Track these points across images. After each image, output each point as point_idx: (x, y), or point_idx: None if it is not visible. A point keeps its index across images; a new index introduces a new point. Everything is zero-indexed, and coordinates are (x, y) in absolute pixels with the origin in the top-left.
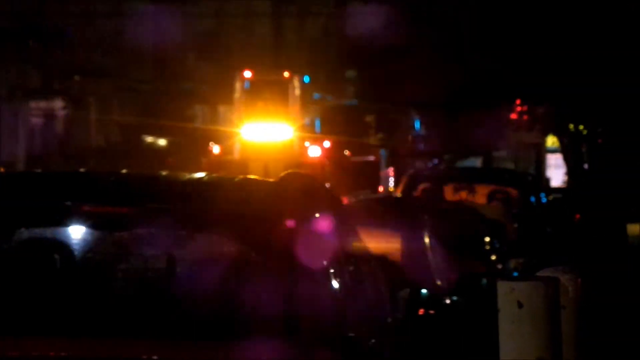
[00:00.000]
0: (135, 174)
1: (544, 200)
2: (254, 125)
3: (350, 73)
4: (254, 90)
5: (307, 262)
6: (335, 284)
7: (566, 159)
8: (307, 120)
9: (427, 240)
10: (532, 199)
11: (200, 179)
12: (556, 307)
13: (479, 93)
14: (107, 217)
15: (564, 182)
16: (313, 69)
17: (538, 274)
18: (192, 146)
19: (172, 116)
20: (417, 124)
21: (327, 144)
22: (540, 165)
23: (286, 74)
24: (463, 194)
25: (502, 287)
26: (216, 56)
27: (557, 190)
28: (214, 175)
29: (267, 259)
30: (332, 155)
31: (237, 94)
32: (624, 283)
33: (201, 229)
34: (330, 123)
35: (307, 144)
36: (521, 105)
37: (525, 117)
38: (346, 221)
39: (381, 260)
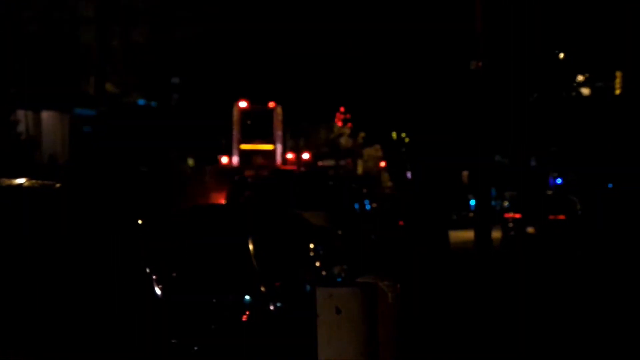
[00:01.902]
0: None
1: (368, 207)
2: (248, 142)
3: (175, 79)
4: (247, 116)
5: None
6: (158, 290)
7: (389, 166)
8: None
9: (251, 246)
10: (357, 205)
11: None
12: (373, 312)
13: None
14: None
15: (389, 189)
16: (138, 75)
17: (358, 280)
18: None
19: None
20: None
21: (306, 155)
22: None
23: (271, 104)
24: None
25: (321, 293)
26: (41, 62)
27: (381, 197)
28: None
29: None
30: (306, 162)
31: (235, 119)
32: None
33: None
34: None
35: (289, 155)
36: (345, 112)
37: (349, 124)
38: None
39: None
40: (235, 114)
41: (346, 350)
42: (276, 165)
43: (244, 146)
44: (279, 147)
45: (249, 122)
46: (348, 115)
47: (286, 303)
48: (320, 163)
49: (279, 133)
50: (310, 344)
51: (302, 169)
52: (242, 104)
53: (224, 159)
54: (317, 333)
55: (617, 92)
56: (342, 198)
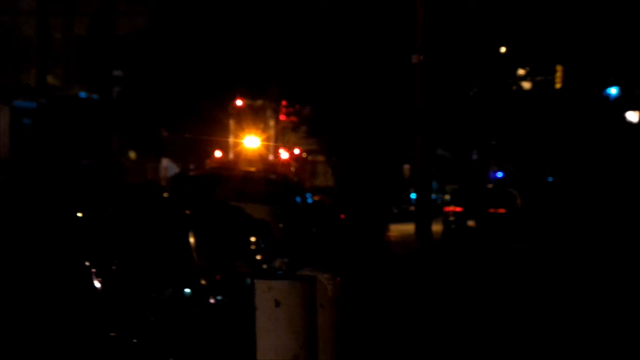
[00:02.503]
0: None
1: (309, 200)
2: (244, 137)
3: (117, 72)
4: (242, 113)
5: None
6: (97, 283)
7: (330, 160)
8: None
9: (191, 239)
10: (298, 199)
11: None
12: (313, 305)
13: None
14: None
15: (332, 183)
16: (80, 68)
17: (297, 273)
18: None
19: None
20: None
21: (296, 150)
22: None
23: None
24: (232, 194)
25: (260, 285)
26: None
27: (323, 190)
28: None
29: None
30: (297, 156)
31: (231, 116)
32: (384, 281)
33: None
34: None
35: (281, 150)
36: (287, 106)
37: (293, 118)
38: None
39: (146, 258)
40: (231, 110)
41: (285, 343)
42: (268, 161)
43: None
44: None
45: (242, 118)
46: (291, 109)
47: (226, 296)
48: (310, 158)
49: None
50: (250, 337)
51: (294, 163)
52: (238, 102)
53: (218, 153)
54: (255, 326)
55: (558, 86)
56: (283, 191)
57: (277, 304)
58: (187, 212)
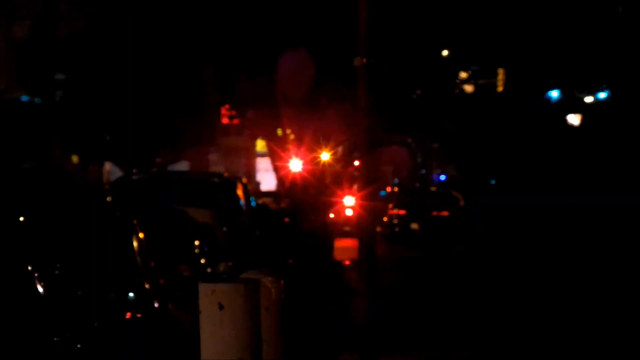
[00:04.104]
0: None
1: (253, 204)
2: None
3: (60, 76)
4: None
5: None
6: (40, 288)
7: (274, 163)
8: None
9: (135, 243)
10: (242, 202)
11: None
12: (256, 308)
13: (188, 99)
14: None
15: (275, 187)
16: (21, 71)
17: (241, 276)
18: None
19: None
20: None
21: None
22: (250, 169)
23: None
24: (175, 198)
25: (204, 289)
26: None
27: (267, 194)
28: None
29: None
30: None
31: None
32: (330, 283)
33: None
34: None
35: None
36: (230, 109)
37: (235, 120)
38: None
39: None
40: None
41: (229, 347)
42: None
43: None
44: None
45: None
46: (234, 112)
47: (171, 300)
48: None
49: None
50: (195, 341)
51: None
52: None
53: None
54: (200, 329)
55: (500, 89)
56: (227, 195)
57: (221, 307)
58: (130, 215)
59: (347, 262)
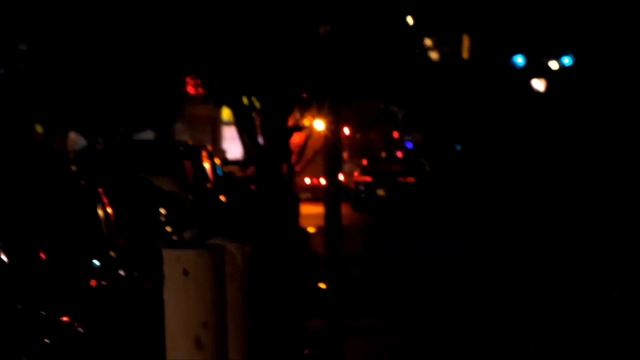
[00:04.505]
0: None
1: (219, 172)
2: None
3: (23, 46)
4: None
5: None
6: (4, 256)
7: (240, 132)
8: None
9: (100, 211)
10: (207, 171)
11: None
12: (222, 274)
13: (150, 65)
14: None
15: (241, 155)
16: None
17: (206, 242)
18: None
19: None
20: None
21: None
22: (216, 137)
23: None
24: (140, 167)
25: (168, 255)
26: None
27: (232, 162)
28: None
29: None
30: None
31: None
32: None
33: None
34: None
35: None
36: (195, 78)
37: (200, 90)
38: None
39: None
40: None
41: (194, 312)
42: None
43: None
44: None
45: None
46: (199, 81)
47: (136, 268)
48: None
49: None
50: (160, 307)
51: None
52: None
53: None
54: (164, 295)
55: (465, 56)
56: (192, 163)
57: (186, 273)
58: (95, 184)
59: (313, 229)
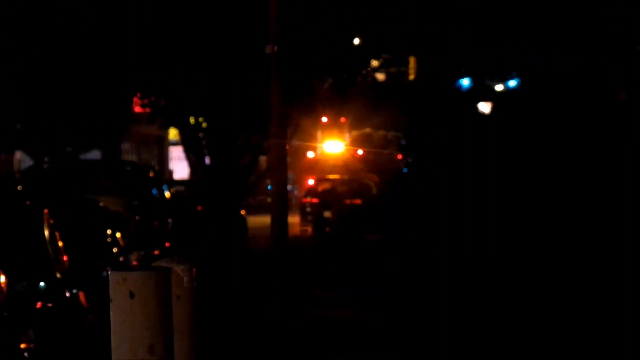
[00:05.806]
0: None
1: (166, 192)
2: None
3: None
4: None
5: None
6: None
7: (187, 152)
8: None
9: (46, 232)
10: (154, 191)
11: None
12: (168, 296)
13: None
14: None
15: (188, 175)
16: None
17: (154, 264)
18: None
19: None
20: None
21: None
22: (163, 157)
23: None
24: (87, 187)
25: (114, 277)
26: None
27: (179, 182)
28: None
29: None
30: None
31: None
32: (243, 272)
33: None
34: None
35: None
36: (142, 97)
37: (147, 109)
38: None
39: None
40: None
41: (140, 334)
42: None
43: None
44: None
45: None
46: (146, 100)
47: (82, 289)
48: None
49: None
50: (106, 330)
51: None
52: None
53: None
54: (111, 317)
55: (411, 77)
56: (139, 184)
57: (132, 295)
58: (41, 205)
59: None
